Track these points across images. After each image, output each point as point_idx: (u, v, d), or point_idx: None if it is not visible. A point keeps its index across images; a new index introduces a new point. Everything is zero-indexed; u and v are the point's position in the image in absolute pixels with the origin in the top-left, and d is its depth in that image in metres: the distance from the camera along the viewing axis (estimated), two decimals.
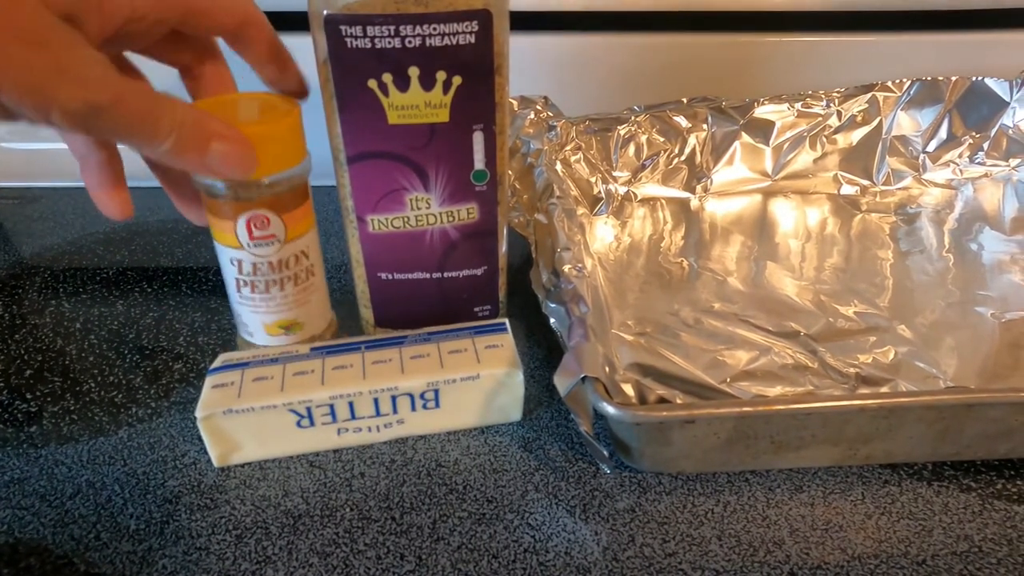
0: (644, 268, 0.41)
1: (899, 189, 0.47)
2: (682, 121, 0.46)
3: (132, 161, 0.27)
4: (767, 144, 0.47)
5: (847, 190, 0.47)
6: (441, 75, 0.26)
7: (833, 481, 0.29)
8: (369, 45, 0.26)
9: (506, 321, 0.32)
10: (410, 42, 0.25)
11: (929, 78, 0.45)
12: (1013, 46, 0.50)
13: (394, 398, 0.29)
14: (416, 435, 0.30)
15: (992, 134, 0.46)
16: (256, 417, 0.28)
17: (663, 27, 0.48)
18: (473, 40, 0.26)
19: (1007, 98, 0.45)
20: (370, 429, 0.30)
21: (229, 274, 0.30)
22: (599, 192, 0.46)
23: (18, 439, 0.31)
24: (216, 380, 0.29)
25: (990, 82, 0.45)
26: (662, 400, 0.29)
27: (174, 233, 0.46)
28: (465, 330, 0.31)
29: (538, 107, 0.44)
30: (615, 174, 0.46)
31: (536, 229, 0.35)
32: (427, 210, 0.30)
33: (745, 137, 0.46)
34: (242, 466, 0.29)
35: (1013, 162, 0.47)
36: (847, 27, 0.49)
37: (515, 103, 0.44)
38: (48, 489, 0.29)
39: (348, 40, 0.25)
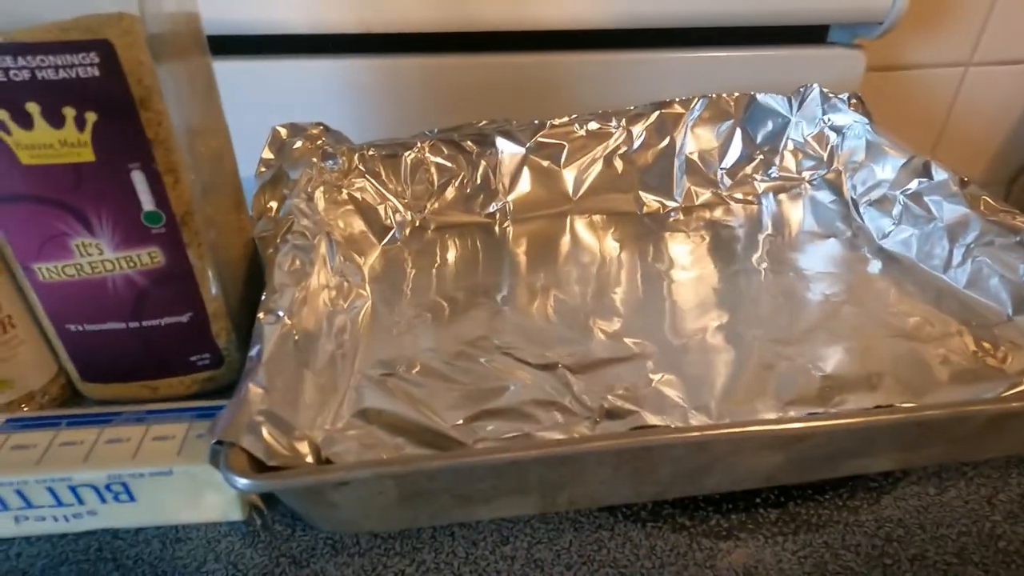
0: (421, 301, 0.39)
1: (698, 206, 0.47)
2: (472, 145, 0.44)
3: None
4: (561, 166, 0.45)
5: (648, 209, 0.46)
6: (69, 111, 0.24)
7: (544, 529, 0.27)
8: None
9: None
10: (16, 75, 0.23)
11: (713, 95, 0.45)
12: (800, 62, 0.51)
13: (73, 488, 0.25)
14: (116, 528, 0.27)
15: (781, 149, 0.46)
16: None
17: (451, 48, 0.47)
18: (98, 73, 0.23)
19: (788, 114, 0.45)
20: (56, 519, 0.26)
21: None
22: (388, 221, 0.44)
23: None
24: None
25: (770, 98, 0.45)
26: (326, 461, 0.26)
27: None
28: (188, 412, 0.28)
29: (312, 134, 0.42)
30: (405, 201, 0.44)
31: (268, 268, 0.33)
32: (100, 256, 0.27)
33: (537, 160, 0.45)
34: None
35: (807, 175, 0.47)
36: (640, 44, 0.49)
37: (283, 132, 0.41)
38: None
39: None
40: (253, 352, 0.26)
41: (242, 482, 0.21)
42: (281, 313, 0.29)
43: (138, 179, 0.26)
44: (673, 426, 0.28)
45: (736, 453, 0.25)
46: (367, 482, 0.23)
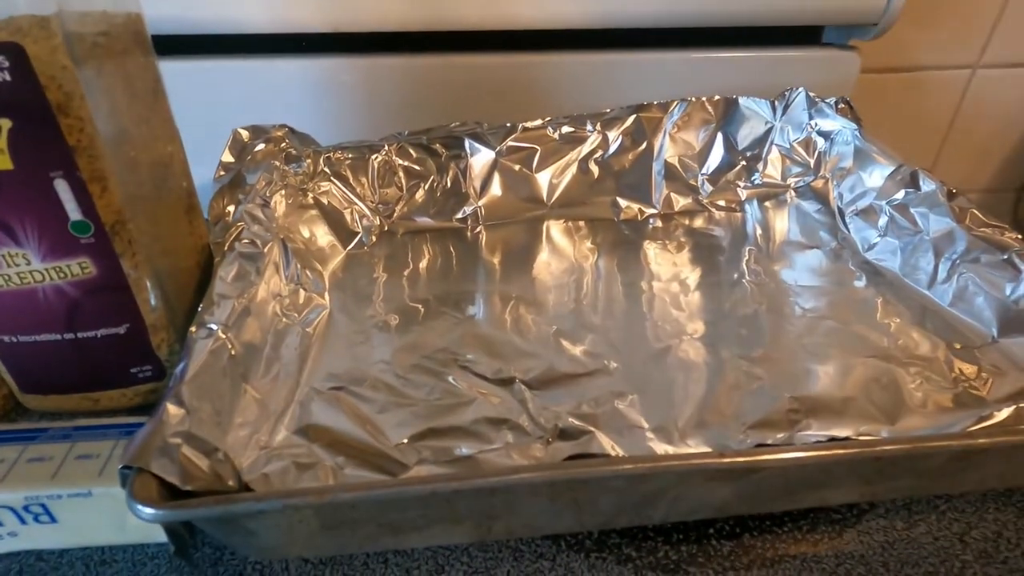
0: (384, 309, 0.37)
1: (678, 213, 0.45)
2: (441, 148, 0.43)
3: None
4: (533, 170, 0.44)
5: (625, 216, 0.45)
6: None
7: (482, 558, 0.26)
8: None
9: None
10: None
11: (693, 98, 0.43)
12: (792, 63, 0.49)
13: None
14: (41, 549, 0.26)
15: (765, 155, 0.44)
16: None
17: (424, 48, 0.45)
18: (9, 78, 0.23)
19: (772, 119, 0.43)
20: None
21: None
22: (354, 226, 0.43)
23: None
24: None
25: (752, 102, 0.43)
26: (246, 487, 0.25)
27: None
28: (116, 429, 0.27)
29: (276, 136, 0.41)
30: (373, 205, 0.43)
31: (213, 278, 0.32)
32: (27, 267, 0.26)
33: (509, 164, 0.44)
34: None
35: (792, 182, 0.45)
36: (624, 44, 0.47)
37: (245, 134, 0.40)
38: None
39: None
40: (178, 369, 0.25)
41: (146, 511, 0.20)
42: (214, 327, 0.27)
43: (62, 188, 0.25)
44: (615, 455, 0.27)
45: (681, 485, 0.24)
46: (282, 511, 0.22)
